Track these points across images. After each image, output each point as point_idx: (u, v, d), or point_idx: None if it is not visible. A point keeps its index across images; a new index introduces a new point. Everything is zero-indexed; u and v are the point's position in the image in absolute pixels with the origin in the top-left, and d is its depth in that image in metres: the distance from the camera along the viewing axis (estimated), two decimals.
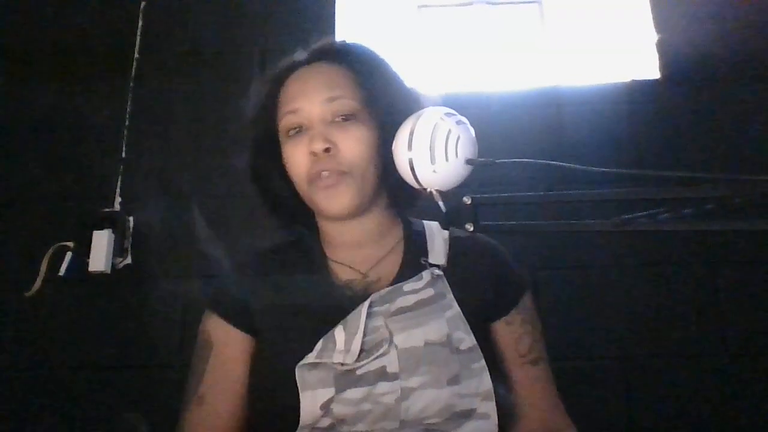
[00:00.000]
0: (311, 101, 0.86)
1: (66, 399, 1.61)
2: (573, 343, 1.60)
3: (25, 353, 1.65)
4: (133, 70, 1.84)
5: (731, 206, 0.58)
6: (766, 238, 1.60)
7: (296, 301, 0.87)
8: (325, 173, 0.84)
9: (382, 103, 0.88)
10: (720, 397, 1.56)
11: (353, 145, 0.85)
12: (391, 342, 0.79)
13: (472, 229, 0.70)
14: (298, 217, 0.96)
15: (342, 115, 0.86)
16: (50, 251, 1.61)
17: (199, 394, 0.87)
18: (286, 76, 0.92)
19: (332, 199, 0.85)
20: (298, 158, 0.86)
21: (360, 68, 0.90)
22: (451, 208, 0.71)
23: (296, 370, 0.78)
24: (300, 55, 0.94)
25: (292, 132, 0.87)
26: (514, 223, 0.73)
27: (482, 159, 0.71)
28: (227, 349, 0.88)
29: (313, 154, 0.84)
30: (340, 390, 0.77)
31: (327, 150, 0.83)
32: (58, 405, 1.61)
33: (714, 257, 1.66)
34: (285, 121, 0.88)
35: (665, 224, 0.61)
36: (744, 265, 1.65)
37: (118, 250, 1.66)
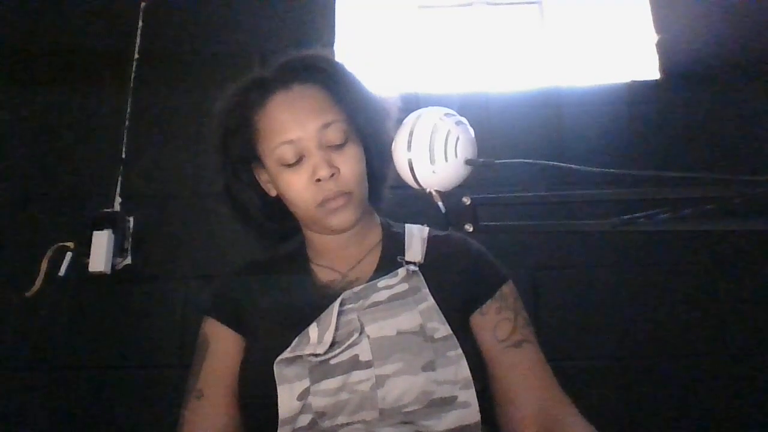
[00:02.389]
0: (306, 130, 0.88)
1: (66, 399, 1.61)
2: (573, 343, 1.60)
3: (25, 353, 1.65)
4: (133, 70, 1.84)
5: (731, 206, 0.58)
6: (766, 238, 1.60)
7: (280, 303, 0.92)
8: (331, 196, 0.88)
9: (364, 118, 0.92)
10: (720, 397, 1.56)
11: (353, 166, 0.89)
12: (362, 332, 0.82)
13: (471, 229, 0.70)
14: (280, 234, 1.02)
15: (338, 143, 0.89)
16: (50, 251, 1.61)
17: (197, 389, 0.90)
18: (261, 99, 0.92)
19: (340, 220, 0.89)
20: (300, 186, 0.89)
21: (337, 86, 0.93)
22: (451, 209, 0.72)
23: (274, 366, 0.81)
24: (263, 72, 0.95)
25: (290, 161, 0.88)
26: (514, 223, 0.73)
27: (482, 159, 0.72)
28: (221, 346, 0.92)
29: (319, 180, 0.87)
30: (315, 381, 0.79)
31: (332, 175, 0.87)
32: (58, 405, 1.61)
33: (714, 257, 1.65)
34: (280, 152, 0.88)
35: (665, 224, 0.61)
36: (744, 265, 1.65)
37: (118, 250, 1.66)
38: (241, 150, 0.94)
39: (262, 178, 0.97)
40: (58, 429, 1.60)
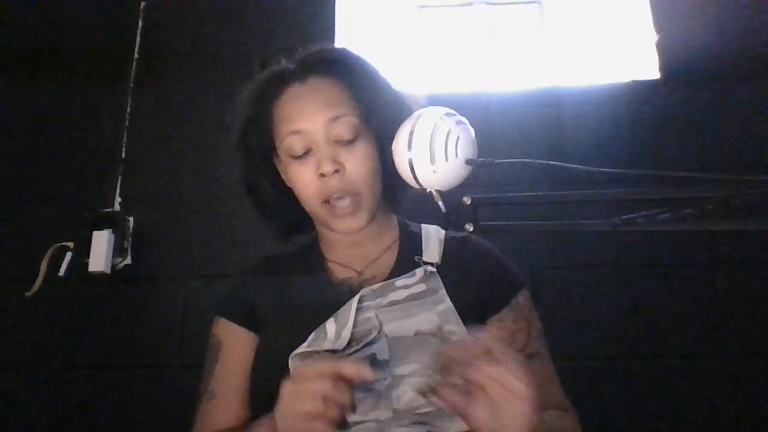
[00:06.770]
0: (314, 122, 0.87)
1: (66, 399, 1.61)
2: (573, 343, 1.60)
3: (25, 353, 1.65)
4: (133, 70, 1.84)
5: (731, 206, 0.58)
6: (766, 238, 1.60)
7: (294, 300, 0.91)
8: (338, 197, 0.87)
9: (380, 114, 0.90)
10: (720, 397, 1.56)
11: (360, 165, 0.88)
12: (380, 331, 0.81)
13: (472, 229, 0.70)
14: (295, 226, 1.01)
15: (347, 138, 0.87)
16: (50, 251, 1.61)
17: (210, 390, 0.90)
18: (278, 91, 0.92)
19: (349, 224, 0.89)
20: (306, 180, 0.88)
21: (354, 80, 0.92)
22: (451, 208, 0.72)
23: (289, 360, 0.80)
24: (287, 64, 0.95)
25: (297, 153, 0.88)
26: (514, 223, 0.73)
27: (482, 159, 0.72)
28: (234, 346, 0.92)
29: (322, 175, 0.86)
30: None
31: (336, 171, 0.86)
32: (58, 405, 1.61)
33: (714, 257, 1.65)
34: (288, 142, 0.88)
35: (665, 224, 0.61)
36: (744, 265, 1.65)
37: (118, 250, 1.67)
38: (259, 140, 0.94)
39: (280, 167, 0.96)
40: (58, 429, 1.60)
